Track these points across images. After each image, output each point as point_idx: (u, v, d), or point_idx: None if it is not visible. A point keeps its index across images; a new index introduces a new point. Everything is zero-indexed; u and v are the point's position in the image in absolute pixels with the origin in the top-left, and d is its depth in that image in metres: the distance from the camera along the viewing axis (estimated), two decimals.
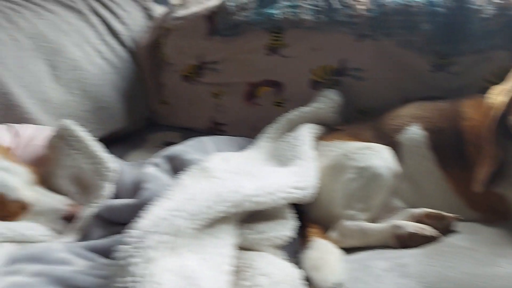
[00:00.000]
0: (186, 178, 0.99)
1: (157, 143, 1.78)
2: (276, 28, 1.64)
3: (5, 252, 0.85)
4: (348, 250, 1.12)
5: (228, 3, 1.72)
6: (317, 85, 1.62)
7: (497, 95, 1.12)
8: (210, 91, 1.80)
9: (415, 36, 1.49)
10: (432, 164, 1.24)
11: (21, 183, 0.94)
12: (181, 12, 1.90)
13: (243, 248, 0.94)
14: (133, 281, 0.67)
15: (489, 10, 1.44)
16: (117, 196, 1.20)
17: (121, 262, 0.70)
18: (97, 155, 1.08)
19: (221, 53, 1.75)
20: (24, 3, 1.72)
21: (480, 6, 1.46)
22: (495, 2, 1.44)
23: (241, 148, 1.49)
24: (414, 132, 1.28)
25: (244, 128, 1.72)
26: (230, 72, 1.75)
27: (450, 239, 0.98)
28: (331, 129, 1.51)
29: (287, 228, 1.03)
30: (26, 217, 0.97)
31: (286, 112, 1.54)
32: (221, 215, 0.85)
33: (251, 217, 1.00)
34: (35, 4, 1.74)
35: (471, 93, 1.33)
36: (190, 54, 1.83)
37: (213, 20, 1.76)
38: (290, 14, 1.60)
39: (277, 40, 1.65)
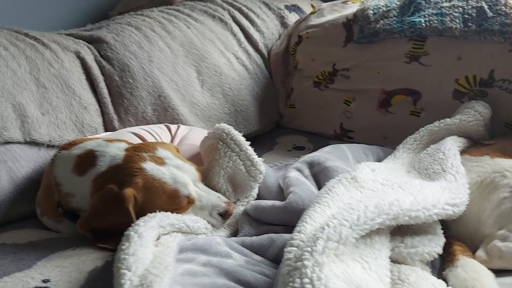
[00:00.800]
0: (339, 186, 1.02)
1: (287, 146, 1.85)
2: (418, 36, 1.60)
3: (177, 242, 0.96)
4: (496, 272, 1.07)
5: (369, 12, 1.72)
6: (460, 96, 1.55)
7: None
8: (340, 97, 1.82)
9: None
10: None
11: (190, 180, 1.05)
12: (316, 20, 1.94)
13: (393, 260, 0.95)
14: (304, 283, 0.71)
15: None
16: (260, 196, 1.28)
17: (292, 263, 0.75)
18: (253, 159, 1.16)
19: (355, 61, 1.76)
20: (177, 13, 1.90)
21: None
22: None
23: (377, 157, 1.49)
24: None
25: (373, 136, 1.72)
26: (363, 79, 1.75)
27: None
28: (476, 143, 1.44)
29: (438, 244, 1.01)
30: (190, 210, 1.08)
31: (422, 122, 1.51)
32: (379, 227, 0.87)
33: (397, 229, 1.00)
34: (185, 14, 1.91)
35: None
36: (323, 61, 1.86)
37: (351, 28, 1.78)
38: (435, 22, 1.55)
39: (418, 48, 1.61)
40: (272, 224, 1.15)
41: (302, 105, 1.95)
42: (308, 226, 0.86)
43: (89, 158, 1.04)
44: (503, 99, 1.49)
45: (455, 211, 1.03)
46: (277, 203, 1.16)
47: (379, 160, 1.46)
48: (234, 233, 1.17)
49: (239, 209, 1.20)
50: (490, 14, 1.48)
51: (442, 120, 1.45)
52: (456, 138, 1.39)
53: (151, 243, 0.90)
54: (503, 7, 1.47)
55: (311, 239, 0.78)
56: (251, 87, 1.91)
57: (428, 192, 1.01)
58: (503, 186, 1.15)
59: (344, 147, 1.46)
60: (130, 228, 0.91)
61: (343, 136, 1.83)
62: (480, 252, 1.11)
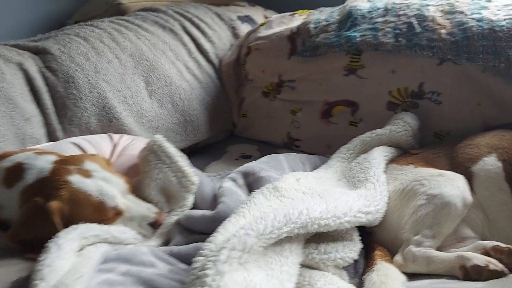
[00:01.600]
0: (259, 196, 1.08)
1: (236, 155, 1.89)
2: (355, 50, 1.68)
3: (100, 252, 0.99)
4: (411, 275, 1.14)
5: (310, 26, 1.79)
6: (394, 107, 1.63)
7: None
8: (287, 107, 1.88)
9: (500, 62, 1.45)
10: (507, 197, 1.21)
11: (117, 192, 1.09)
12: (264, 32, 2.00)
13: (306, 266, 1.00)
14: None
15: None
16: (196, 206, 1.32)
17: (196, 272, 0.80)
18: (183, 170, 1.21)
19: (299, 73, 1.82)
20: (127, 24, 1.93)
21: None
22: None
23: (314, 166, 1.55)
24: (490, 163, 1.25)
25: (318, 145, 1.78)
26: (307, 91, 1.82)
27: None
28: (405, 152, 1.51)
29: (352, 250, 1.07)
30: (119, 221, 1.11)
31: (360, 131, 1.57)
32: (288, 235, 0.92)
33: (317, 236, 1.06)
34: (136, 25, 1.94)
35: None
36: (270, 72, 1.92)
37: (294, 41, 1.85)
38: (370, 37, 1.63)
39: (355, 61, 1.69)
40: (202, 233, 1.19)
41: (253, 114, 2.00)
42: (220, 236, 0.91)
43: (17, 171, 1.07)
44: (432, 110, 1.57)
45: (369, 218, 1.10)
46: (207, 212, 1.20)
47: (316, 169, 1.52)
48: (167, 243, 1.21)
49: (172, 219, 1.24)
50: (418, 29, 1.56)
51: (373, 131, 1.53)
52: (385, 148, 1.46)
53: (71, 254, 0.93)
54: (430, 23, 1.56)
55: (217, 249, 0.83)
56: (201, 96, 1.95)
57: (342, 200, 1.07)
58: (421, 193, 1.22)
59: (281, 157, 1.51)
60: (50, 239, 0.95)
61: (291, 145, 1.89)
62: (398, 257, 1.18)
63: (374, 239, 1.29)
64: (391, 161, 1.45)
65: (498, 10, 1.51)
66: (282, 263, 0.89)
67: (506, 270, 0.99)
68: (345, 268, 1.08)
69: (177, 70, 1.91)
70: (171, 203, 1.25)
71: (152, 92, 1.80)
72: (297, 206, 0.98)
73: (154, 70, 1.83)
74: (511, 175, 1.22)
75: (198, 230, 1.19)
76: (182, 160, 1.23)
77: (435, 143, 1.56)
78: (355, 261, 1.17)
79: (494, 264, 1.00)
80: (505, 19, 1.48)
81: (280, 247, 0.92)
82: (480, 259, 1.02)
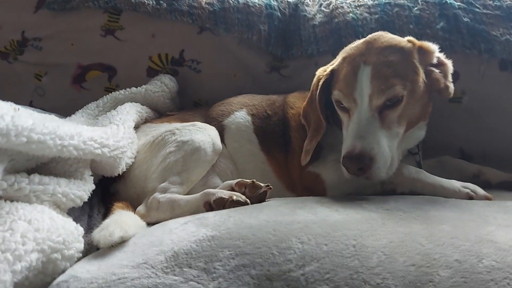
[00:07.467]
0: None
1: None
2: (114, 8, 1.52)
3: None
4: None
5: None
6: (154, 73, 1.51)
7: (323, 70, 1.15)
8: (31, 71, 1.57)
9: (253, 34, 1.50)
10: (255, 148, 1.22)
11: None
12: None
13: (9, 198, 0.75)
14: None
15: (319, 18, 1.52)
16: None
17: None
18: None
19: (47, 29, 1.55)
20: None
21: (313, 14, 1.55)
22: (324, 11, 1.53)
23: None
24: (241, 117, 1.26)
25: (68, 115, 1.53)
26: (57, 51, 1.55)
27: None
28: (163, 115, 1.41)
29: (81, 188, 0.86)
30: None
31: None
32: None
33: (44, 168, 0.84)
34: None
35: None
36: (11, 28, 1.59)
37: None
38: None
39: (113, 21, 1.52)
40: None
41: None
42: None
43: None
44: (191, 78, 1.52)
45: (104, 151, 0.92)
46: None
47: None
48: None
49: None
50: None
51: (128, 89, 1.38)
52: (140, 105, 1.33)
53: None
54: None
55: None
56: None
57: (71, 125, 0.86)
58: (171, 142, 1.12)
59: None
60: None
61: None
62: (141, 207, 1.04)
63: (118, 199, 1.11)
64: (147, 121, 1.33)
65: None
66: None
67: (248, 201, 0.94)
68: (72, 215, 0.87)
69: None
70: None
71: None
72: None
73: None
74: (259, 127, 1.24)
75: None
76: None
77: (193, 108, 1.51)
78: (90, 216, 0.97)
79: (238, 195, 0.94)
80: None
81: None
82: (224, 193, 0.95)
